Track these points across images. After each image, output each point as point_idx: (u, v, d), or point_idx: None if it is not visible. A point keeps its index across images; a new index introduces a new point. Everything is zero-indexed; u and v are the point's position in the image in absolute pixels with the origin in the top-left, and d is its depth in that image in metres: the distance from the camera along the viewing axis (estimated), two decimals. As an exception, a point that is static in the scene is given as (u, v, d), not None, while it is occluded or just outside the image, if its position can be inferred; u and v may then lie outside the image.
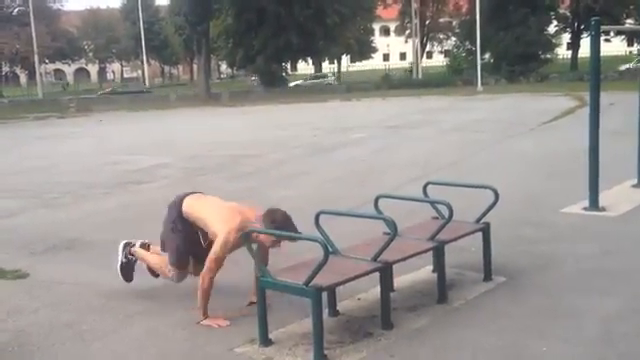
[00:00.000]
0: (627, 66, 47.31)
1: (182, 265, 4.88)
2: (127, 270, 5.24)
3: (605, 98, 7.61)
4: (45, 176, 12.38)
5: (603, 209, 7.22)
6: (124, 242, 5.31)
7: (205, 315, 4.54)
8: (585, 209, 7.29)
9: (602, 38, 7.82)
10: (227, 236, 4.44)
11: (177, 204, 4.82)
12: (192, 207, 4.77)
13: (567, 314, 4.46)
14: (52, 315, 4.91)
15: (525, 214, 7.29)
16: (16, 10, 58.55)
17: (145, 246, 5.30)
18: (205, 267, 4.52)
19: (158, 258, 5.08)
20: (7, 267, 6.11)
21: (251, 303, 4.63)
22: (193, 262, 4.88)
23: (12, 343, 4.41)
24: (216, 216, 4.61)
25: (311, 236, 4.26)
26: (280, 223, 4.39)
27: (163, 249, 4.99)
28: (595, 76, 7.36)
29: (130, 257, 5.23)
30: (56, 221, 8.31)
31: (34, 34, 43.60)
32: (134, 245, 5.27)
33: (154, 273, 5.21)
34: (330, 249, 4.22)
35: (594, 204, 7.26)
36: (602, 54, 7.35)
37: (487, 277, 5.14)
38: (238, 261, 4.81)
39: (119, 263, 5.23)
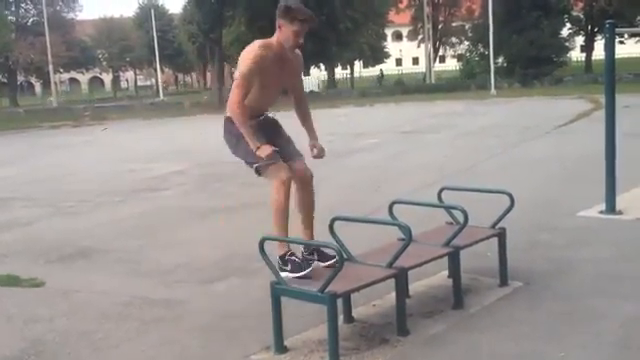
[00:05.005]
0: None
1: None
2: (302, 266, 4.25)
3: (620, 100, 7.53)
4: (60, 184, 12.46)
5: (620, 212, 7.14)
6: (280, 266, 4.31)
7: (256, 145, 4.42)
8: (602, 213, 7.22)
9: (616, 40, 7.77)
10: (249, 52, 4.38)
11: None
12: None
13: (585, 319, 4.41)
14: (68, 324, 4.93)
15: (541, 218, 7.23)
16: (31, 20, 58.99)
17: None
18: (230, 96, 4.52)
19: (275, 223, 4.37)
20: (23, 275, 6.14)
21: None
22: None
23: (29, 351, 4.43)
24: None
25: (326, 243, 4.26)
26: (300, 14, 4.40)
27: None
28: (610, 79, 7.29)
29: (292, 258, 4.29)
30: (72, 229, 8.34)
31: (49, 44, 43.88)
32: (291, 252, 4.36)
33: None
34: (345, 256, 4.21)
35: (611, 207, 7.18)
36: (616, 56, 7.29)
37: (503, 282, 5.10)
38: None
39: (294, 274, 4.21)
